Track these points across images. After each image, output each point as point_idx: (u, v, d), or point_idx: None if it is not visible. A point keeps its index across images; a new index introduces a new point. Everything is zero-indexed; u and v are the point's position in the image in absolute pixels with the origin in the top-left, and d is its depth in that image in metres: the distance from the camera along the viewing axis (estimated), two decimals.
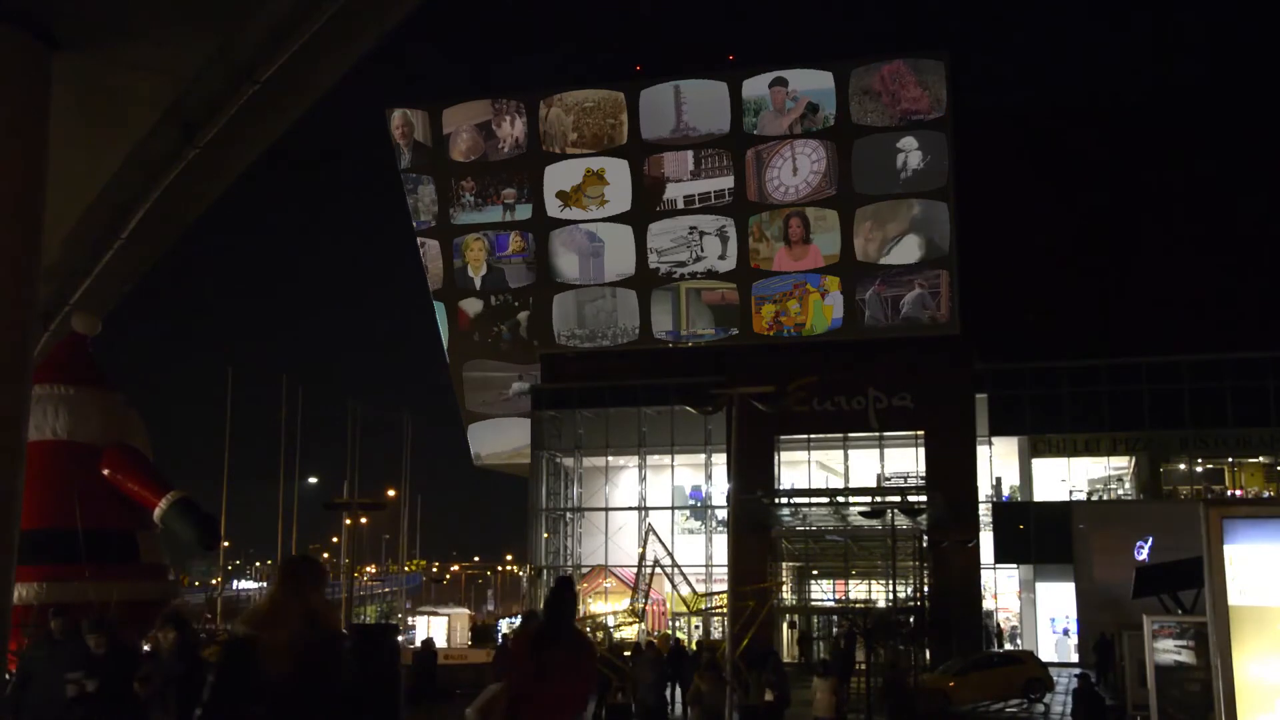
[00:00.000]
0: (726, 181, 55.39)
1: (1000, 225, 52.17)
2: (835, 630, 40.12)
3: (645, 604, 39.46)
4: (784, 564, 39.25)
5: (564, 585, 6.76)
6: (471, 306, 59.84)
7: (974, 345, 45.03)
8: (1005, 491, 45.58)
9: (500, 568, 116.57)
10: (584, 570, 49.29)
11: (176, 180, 13.40)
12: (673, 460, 49.28)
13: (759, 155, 54.89)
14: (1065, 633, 41.70)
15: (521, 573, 63.70)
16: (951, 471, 40.10)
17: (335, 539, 71.70)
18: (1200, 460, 43.58)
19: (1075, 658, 38.62)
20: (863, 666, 29.80)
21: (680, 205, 56.12)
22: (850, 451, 44.92)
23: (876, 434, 43.30)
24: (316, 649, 5.11)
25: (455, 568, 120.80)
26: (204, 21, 10.79)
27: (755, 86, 54.69)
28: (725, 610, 33.30)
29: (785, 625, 40.15)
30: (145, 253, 16.40)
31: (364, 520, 52.86)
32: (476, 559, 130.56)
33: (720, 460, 46.71)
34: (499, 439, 60.43)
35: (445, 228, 59.45)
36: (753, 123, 54.53)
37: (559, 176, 57.55)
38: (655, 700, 19.65)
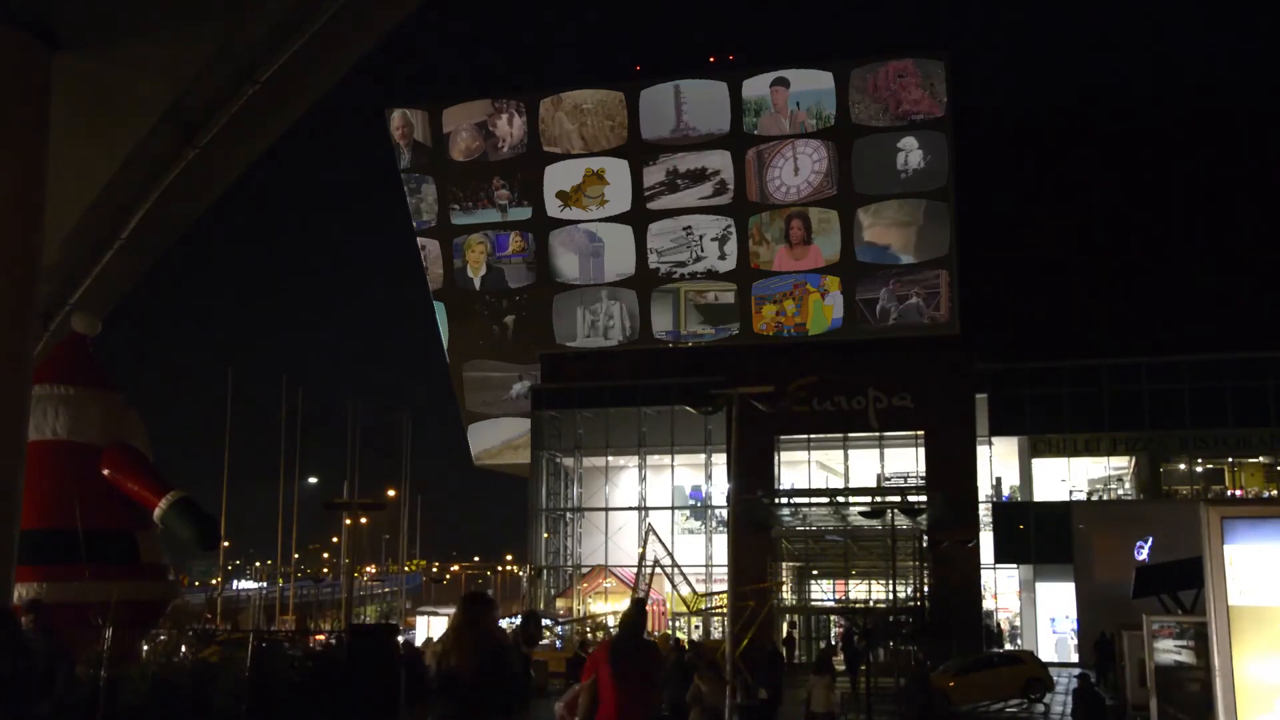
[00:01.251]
0: (727, 182, 55.43)
1: (1000, 225, 52.17)
2: (834, 631, 40.20)
3: (645, 604, 39.44)
4: (784, 564, 39.25)
5: (638, 607, 8.51)
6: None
7: (974, 345, 45.02)
8: (1005, 491, 45.57)
9: (500, 568, 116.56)
10: (584, 570, 49.31)
11: (176, 180, 13.40)
12: (673, 460, 49.29)
13: (759, 155, 54.91)
14: (1071, 633, 41.67)
15: (521, 573, 63.70)
16: (951, 471, 40.10)
17: (335, 539, 71.77)
18: (1200, 460, 43.57)
19: (1075, 658, 38.61)
20: (862, 667, 29.78)
21: (680, 205, 56.17)
22: (850, 451, 44.92)
23: (876, 434, 43.29)
24: (492, 657, 7.65)
25: (455, 568, 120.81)
26: (204, 21, 10.80)
27: (756, 87, 54.71)
28: (725, 610, 33.29)
29: (785, 625, 40.16)
30: (145, 253, 16.40)
31: (364, 520, 52.86)
32: (476, 559, 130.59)
33: (720, 460, 46.71)
34: (499, 439, 60.47)
35: (445, 228, 59.45)
36: (753, 123, 54.55)
37: (559, 176, 57.56)
38: (681, 700, 19.74)
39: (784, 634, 39.92)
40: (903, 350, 47.73)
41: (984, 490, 43.23)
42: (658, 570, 39.60)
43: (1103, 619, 33.65)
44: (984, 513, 42.68)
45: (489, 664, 7.75)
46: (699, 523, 50.22)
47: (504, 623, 46.55)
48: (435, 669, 7.91)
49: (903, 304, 53.63)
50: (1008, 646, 41.04)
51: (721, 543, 45.92)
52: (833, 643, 35.57)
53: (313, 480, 55.42)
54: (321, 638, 18.37)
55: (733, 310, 55.72)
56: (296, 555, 60.72)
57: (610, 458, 50.33)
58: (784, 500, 38.93)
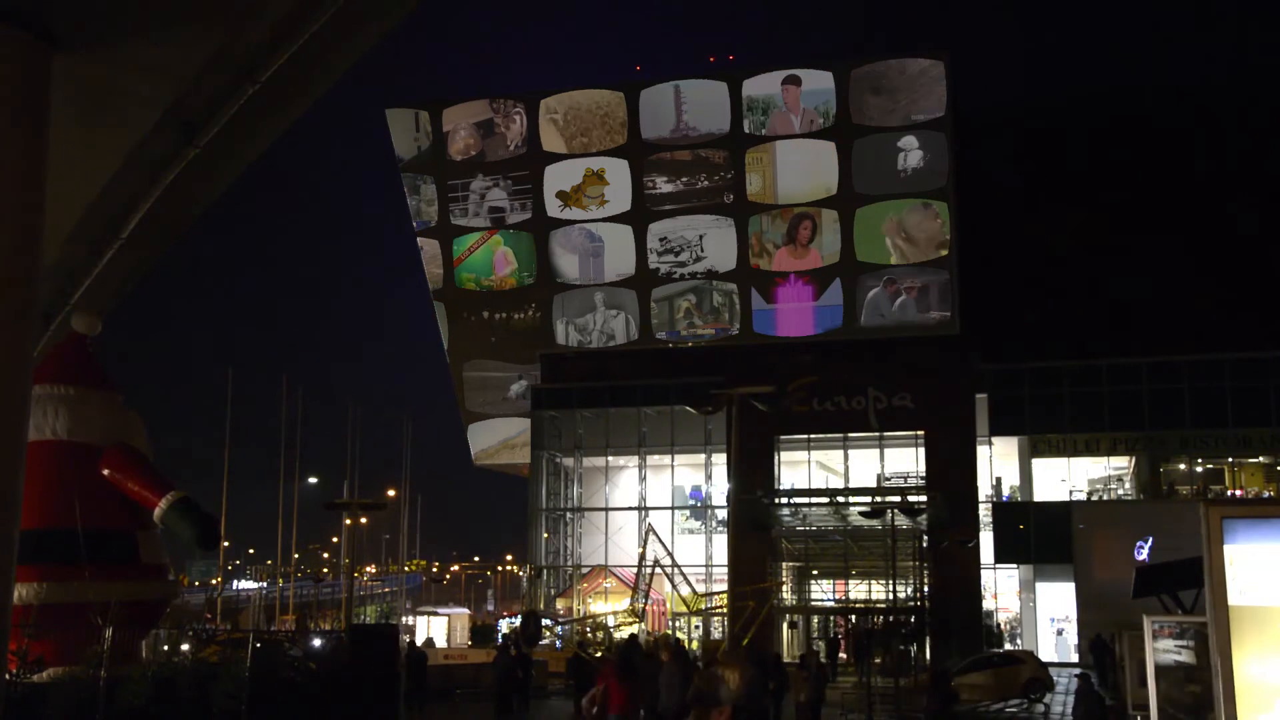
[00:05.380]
0: (727, 181, 55.47)
1: (1000, 225, 52.15)
2: (834, 632, 40.22)
3: (645, 604, 39.45)
4: (784, 564, 39.21)
5: (632, 640, 14.41)
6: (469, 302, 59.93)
7: (974, 345, 44.98)
8: (1005, 491, 45.53)
9: (500, 568, 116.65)
10: (584, 570, 49.29)
11: (176, 180, 13.40)
12: (673, 460, 49.25)
13: (760, 155, 54.91)
14: (1060, 633, 41.71)
15: (521, 573, 63.69)
16: (951, 471, 40.04)
17: (335, 539, 71.76)
18: (1200, 460, 43.54)
19: (1075, 658, 38.61)
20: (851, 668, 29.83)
21: (681, 205, 56.19)
22: (850, 451, 44.87)
23: (876, 434, 43.24)
24: (752, 675, 12.68)
25: (455, 568, 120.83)
26: (204, 21, 10.79)
27: (764, 85, 54.70)
28: (725, 610, 33.28)
29: (785, 625, 40.14)
30: (146, 252, 16.40)
31: (364, 520, 52.86)
32: (476, 559, 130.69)
33: (720, 460, 46.66)
34: (499, 439, 60.49)
35: (445, 228, 59.47)
36: (761, 120, 54.60)
37: (559, 176, 57.57)
38: (679, 705, 19.71)
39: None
40: (903, 350, 47.69)
41: (984, 490, 43.18)
42: (658, 570, 39.59)
43: (1103, 619, 33.63)
44: (984, 513, 42.62)
45: (751, 685, 12.98)
46: (699, 523, 50.18)
47: (504, 623, 46.59)
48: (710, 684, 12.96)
49: (903, 304, 53.66)
50: (1008, 646, 41.02)
51: (721, 543, 45.88)
52: (815, 645, 35.82)
53: (313, 480, 55.41)
54: (319, 642, 18.36)
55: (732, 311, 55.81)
56: (296, 555, 60.75)
57: (610, 458, 50.28)
58: (784, 500, 38.85)
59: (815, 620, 40.94)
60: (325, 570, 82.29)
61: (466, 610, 56.27)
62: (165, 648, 17.65)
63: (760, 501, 36.87)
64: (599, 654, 30.49)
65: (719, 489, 47.97)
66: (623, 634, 37.28)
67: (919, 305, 53.56)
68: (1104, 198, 53.00)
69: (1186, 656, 15.61)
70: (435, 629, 44.13)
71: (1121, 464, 45.55)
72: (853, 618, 37.69)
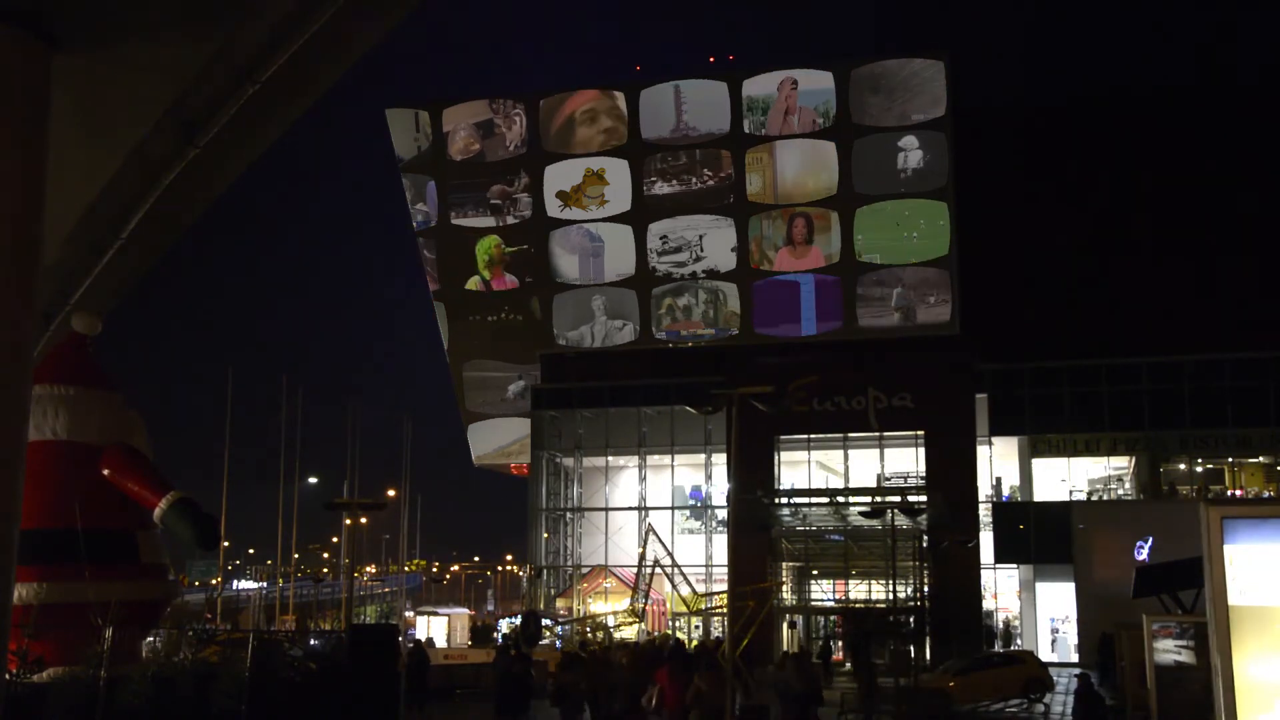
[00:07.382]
0: (727, 181, 55.48)
1: (1000, 225, 52.14)
2: (832, 631, 40.21)
3: (645, 604, 39.44)
4: (784, 564, 39.21)
5: (680, 646, 19.77)
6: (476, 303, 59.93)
7: (974, 345, 44.97)
8: (1005, 491, 45.53)
9: (500, 568, 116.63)
10: (584, 570, 49.28)
11: (176, 180, 13.38)
12: (673, 460, 49.24)
13: (760, 155, 54.91)
14: (1056, 633, 41.69)
15: (521, 573, 63.70)
16: (951, 471, 40.03)
17: (335, 539, 71.77)
18: (1200, 460, 43.53)
19: (1075, 658, 38.61)
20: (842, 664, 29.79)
21: (681, 205, 56.19)
22: (850, 451, 44.87)
23: (876, 434, 43.23)
24: (810, 680, 15.86)
25: (455, 568, 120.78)
26: (204, 21, 10.78)
27: (764, 85, 54.72)
28: (725, 610, 33.25)
29: (785, 625, 40.13)
30: (146, 253, 16.37)
31: (364, 520, 52.86)
32: (476, 559, 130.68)
33: (720, 460, 46.67)
34: (498, 439, 60.48)
35: (445, 228, 59.46)
36: (760, 120, 54.63)
37: (559, 176, 57.57)
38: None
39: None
40: (903, 350, 47.71)
41: (984, 490, 43.17)
42: (658, 570, 39.58)
43: (1103, 619, 33.63)
44: (984, 513, 42.61)
45: (806, 684, 14.63)
46: (699, 523, 50.18)
47: (504, 622, 46.59)
48: (778, 687, 14.65)
49: (902, 304, 53.65)
50: (1009, 646, 40.99)
51: (721, 543, 45.88)
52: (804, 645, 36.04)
53: (313, 480, 55.44)
54: (318, 642, 18.36)
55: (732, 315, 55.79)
56: (296, 555, 60.77)
57: (610, 458, 50.27)
58: (784, 500, 38.87)
59: (813, 620, 40.98)
60: (325, 570, 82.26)
61: (466, 610, 56.26)
62: (160, 647, 17.64)
63: (760, 501, 36.86)
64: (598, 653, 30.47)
65: (719, 489, 47.97)
66: (622, 634, 37.37)
67: (917, 305, 53.56)
68: (1104, 197, 53.00)
69: (1186, 656, 15.65)
70: (435, 629, 44.12)
71: (1121, 464, 45.54)
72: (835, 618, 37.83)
